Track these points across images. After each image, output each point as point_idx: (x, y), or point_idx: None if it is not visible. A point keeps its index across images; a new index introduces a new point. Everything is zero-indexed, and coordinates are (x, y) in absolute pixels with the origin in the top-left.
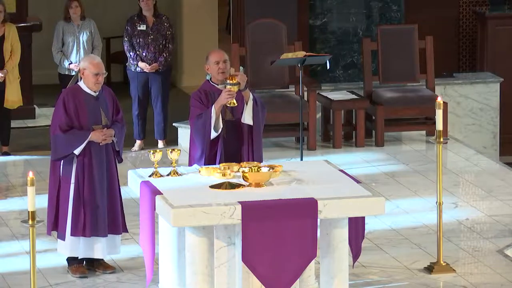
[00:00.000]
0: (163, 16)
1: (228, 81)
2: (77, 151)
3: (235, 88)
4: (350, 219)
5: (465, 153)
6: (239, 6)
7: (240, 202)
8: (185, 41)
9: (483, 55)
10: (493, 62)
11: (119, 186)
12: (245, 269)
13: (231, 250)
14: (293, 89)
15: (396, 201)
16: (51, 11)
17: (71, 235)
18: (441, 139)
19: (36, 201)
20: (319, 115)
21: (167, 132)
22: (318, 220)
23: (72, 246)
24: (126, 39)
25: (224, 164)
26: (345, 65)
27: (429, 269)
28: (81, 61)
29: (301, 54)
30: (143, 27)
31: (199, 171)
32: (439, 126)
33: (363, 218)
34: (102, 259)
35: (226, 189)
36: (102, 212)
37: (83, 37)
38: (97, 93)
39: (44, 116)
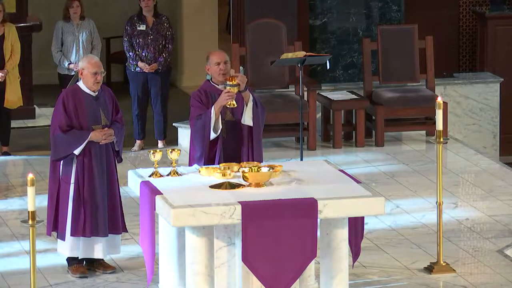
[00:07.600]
0: (163, 16)
1: (227, 83)
2: (77, 151)
3: (235, 90)
4: (350, 219)
5: (465, 153)
6: (239, 6)
7: (240, 202)
8: (185, 41)
9: (483, 55)
10: (493, 62)
11: (118, 186)
12: (245, 269)
13: (231, 250)
14: (293, 89)
15: (396, 201)
16: (51, 11)
17: (71, 235)
18: (441, 139)
19: (36, 201)
20: (319, 115)
21: (167, 132)
22: (318, 220)
23: (72, 246)
24: (125, 39)
25: (224, 164)
26: (345, 65)
27: (429, 269)
28: (79, 61)
29: (301, 54)
30: (143, 27)
31: (199, 171)
32: (439, 126)
33: (362, 218)
34: (102, 259)
35: (226, 189)
36: (102, 212)
37: (83, 37)
38: (97, 93)
39: (44, 116)
